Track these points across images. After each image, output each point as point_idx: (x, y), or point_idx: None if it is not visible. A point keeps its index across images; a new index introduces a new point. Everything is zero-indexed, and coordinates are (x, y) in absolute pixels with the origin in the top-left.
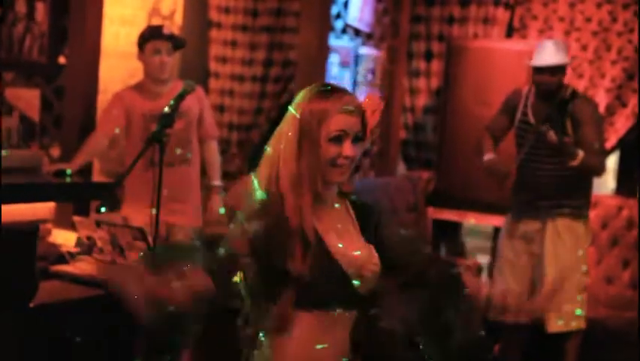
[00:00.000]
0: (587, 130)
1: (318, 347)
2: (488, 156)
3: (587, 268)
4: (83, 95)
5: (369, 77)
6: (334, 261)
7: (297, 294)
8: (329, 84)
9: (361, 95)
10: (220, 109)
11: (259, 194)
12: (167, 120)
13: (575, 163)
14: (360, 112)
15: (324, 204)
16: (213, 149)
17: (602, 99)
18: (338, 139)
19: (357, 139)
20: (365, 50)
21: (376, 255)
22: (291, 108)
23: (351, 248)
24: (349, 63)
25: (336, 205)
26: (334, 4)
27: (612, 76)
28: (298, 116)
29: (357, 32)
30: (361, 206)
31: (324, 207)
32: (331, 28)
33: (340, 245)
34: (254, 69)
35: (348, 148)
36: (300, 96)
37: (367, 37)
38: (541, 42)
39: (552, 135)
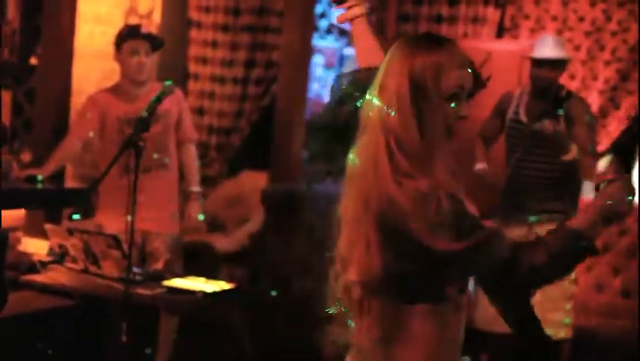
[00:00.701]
0: (580, 130)
1: None
2: (479, 166)
3: (574, 276)
4: (56, 97)
5: None
6: None
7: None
8: (431, 34)
9: None
10: (199, 112)
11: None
12: (143, 124)
13: (568, 157)
14: (472, 66)
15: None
16: (192, 153)
17: (594, 101)
18: (455, 97)
19: (468, 97)
20: (351, 51)
21: None
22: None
23: None
24: (334, 64)
25: None
26: (319, 3)
27: (605, 77)
28: (406, 74)
29: (342, 32)
30: None
31: None
32: (315, 28)
33: None
34: (235, 70)
35: (465, 107)
36: (390, 55)
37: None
38: (542, 36)
39: (548, 125)
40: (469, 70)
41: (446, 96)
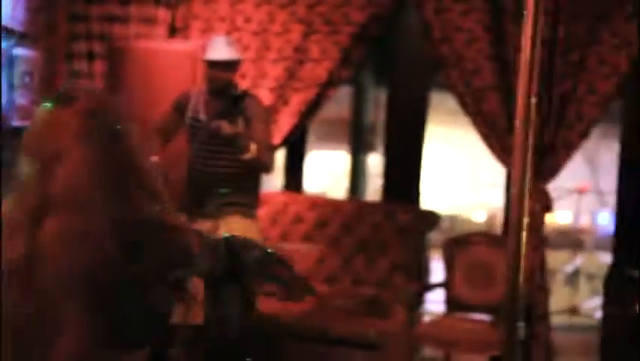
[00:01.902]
0: (258, 126)
1: None
2: (152, 159)
3: None
4: None
5: (27, 79)
6: None
7: None
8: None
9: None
10: None
11: None
12: None
13: (247, 156)
14: None
15: None
16: None
17: (265, 98)
18: None
19: None
20: (20, 51)
21: None
22: None
23: None
24: (3, 65)
25: None
26: None
27: (274, 75)
28: None
29: (9, 32)
30: None
31: None
32: None
33: None
34: None
35: None
36: None
37: (21, 37)
38: (213, 38)
39: (226, 127)
40: None
41: None
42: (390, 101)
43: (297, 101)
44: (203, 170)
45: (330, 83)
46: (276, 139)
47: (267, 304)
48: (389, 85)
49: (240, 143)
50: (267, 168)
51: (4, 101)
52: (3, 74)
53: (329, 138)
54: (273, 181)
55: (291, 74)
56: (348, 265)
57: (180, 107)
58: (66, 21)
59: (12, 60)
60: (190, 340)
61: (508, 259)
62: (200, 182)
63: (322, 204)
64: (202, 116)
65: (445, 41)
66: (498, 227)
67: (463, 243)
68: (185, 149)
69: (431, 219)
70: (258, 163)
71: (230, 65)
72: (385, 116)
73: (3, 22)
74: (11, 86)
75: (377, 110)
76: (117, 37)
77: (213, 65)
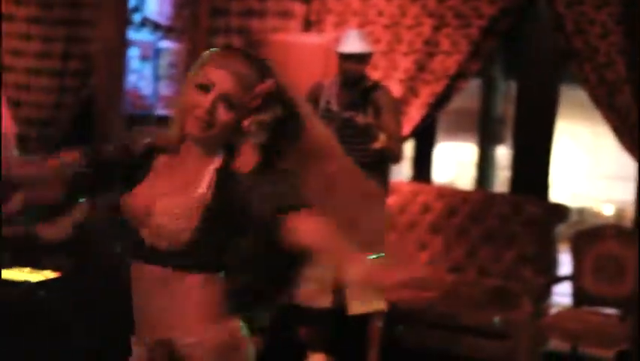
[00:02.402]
0: (388, 117)
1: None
2: None
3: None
4: None
5: (171, 71)
6: (129, 199)
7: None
8: (244, 49)
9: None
10: (16, 104)
11: None
12: None
13: (377, 145)
14: (241, 78)
15: (178, 153)
16: (10, 145)
17: (395, 90)
18: (204, 89)
19: (228, 102)
20: (165, 44)
21: (193, 212)
22: None
23: (164, 197)
24: (150, 57)
25: (196, 155)
26: None
27: (404, 68)
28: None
29: (156, 26)
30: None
31: (177, 155)
32: (129, 22)
33: (147, 190)
34: (51, 62)
35: (207, 100)
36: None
37: (167, 31)
38: (347, 31)
39: (360, 118)
40: (233, 76)
41: (196, 84)
42: (519, 94)
43: (426, 93)
44: None
45: (460, 76)
46: (406, 130)
47: (397, 292)
48: (519, 78)
49: (370, 133)
50: (396, 157)
51: (149, 90)
52: (149, 65)
53: (458, 129)
54: (402, 171)
55: (421, 67)
56: (474, 256)
57: (313, 98)
58: (208, 16)
59: (158, 52)
60: (317, 322)
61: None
62: None
63: (450, 195)
64: (334, 106)
65: (578, 34)
66: (627, 221)
67: (592, 236)
68: None
69: (561, 212)
70: (388, 153)
71: (363, 58)
72: (515, 109)
73: (151, 17)
74: (156, 77)
75: (506, 103)
76: (254, 31)
77: (346, 57)
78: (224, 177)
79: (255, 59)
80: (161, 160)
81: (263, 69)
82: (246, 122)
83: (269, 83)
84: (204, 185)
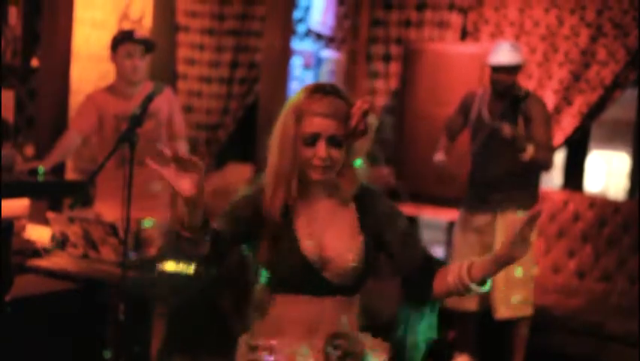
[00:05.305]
0: (538, 127)
1: (290, 324)
2: (438, 157)
3: (535, 259)
4: (55, 96)
5: (332, 78)
6: (299, 253)
7: (270, 280)
8: (319, 85)
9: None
10: (188, 109)
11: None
12: (136, 120)
13: (525, 157)
14: (337, 116)
15: (310, 200)
16: (182, 148)
17: (549, 99)
18: (312, 140)
19: (335, 141)
20: (326, 53)
21: (357, 251)
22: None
23: (329, 242)
24: (311, 65)
25: (329, 201)
26: (297, 9)
27: (559, 77)
28: (282, 114)
29: (318, 36)
30: (365, 198)
31: (309, 203)
32: (294, 32)
33: (310, 241)
34: (220, 71)
35: (321, 149)
36: (295, 94)
37: (329, 41)
38: (498, 43)
39: (507, 129)
40: (332, 119)
41: (303, 139)
42: None
43: (580, 102)
44: (485, 167)
45: (616, 85)
46: (558, 139)
47: (543, 297)
48: None
49: (518, 144)
50: (546, 167)
51: None
52: (311, 73)
53: (611, 139)
54: (554, 179)
55: (576, 77)
56: (624, 265)
57: (466, 107)
58: (368, 26)
59: (319, 61)
60: (462, 324)
61: None
62: (481, 179)
63: (601, 204)
64: (485, 115)
65: None
66: None
67: None
68: (467, 146)
69: None
70: (536, 164)
71: (513, 69)
72: None
73: (314, 28)
74: None
75: None
76: (412, 40)
77: (497, 69)
78: (365, 215)
79: (331, 89)
80: (296, 212)
81: (340, 93)
82: (358, 144)
83: (360, 103)
84: (356, 225)
